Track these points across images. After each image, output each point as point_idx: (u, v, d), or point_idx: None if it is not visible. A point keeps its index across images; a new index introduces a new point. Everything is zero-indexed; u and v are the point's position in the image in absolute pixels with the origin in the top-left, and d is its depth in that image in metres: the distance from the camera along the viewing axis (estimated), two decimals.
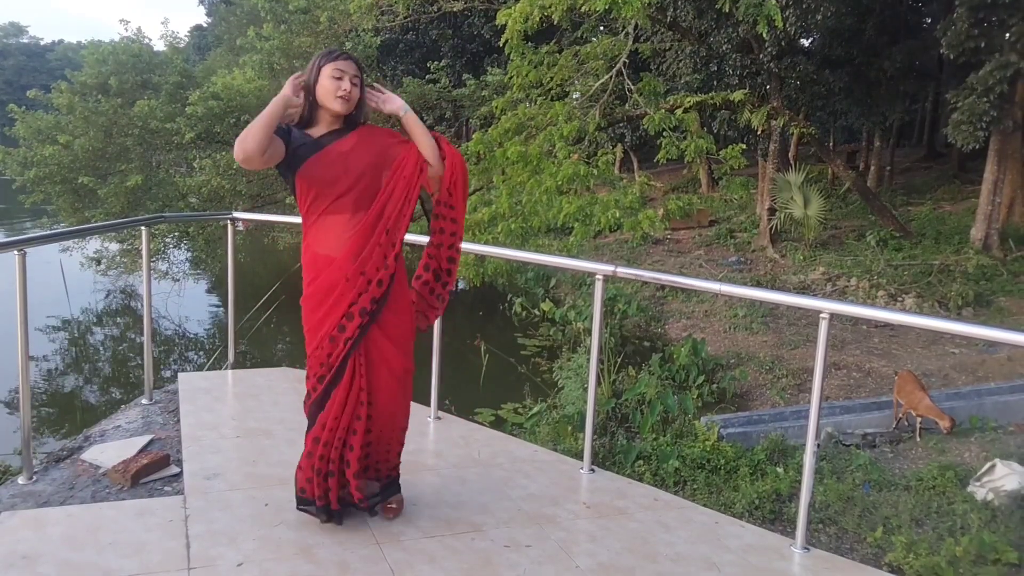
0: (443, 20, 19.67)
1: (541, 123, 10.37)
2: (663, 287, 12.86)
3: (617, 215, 9.07)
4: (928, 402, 6.83)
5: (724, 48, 14.35)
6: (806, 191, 14.67)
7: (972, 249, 12.65)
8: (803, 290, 12.28)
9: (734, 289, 3.34)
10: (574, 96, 11.29)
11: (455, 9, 14.43)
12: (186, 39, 32.56)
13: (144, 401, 4.00)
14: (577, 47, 11.44)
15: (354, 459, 2.60)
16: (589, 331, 6.19)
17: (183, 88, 15.22)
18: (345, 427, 2.58)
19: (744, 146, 10.18)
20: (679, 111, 10.76)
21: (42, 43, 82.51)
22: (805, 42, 16.95)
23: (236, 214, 4.83)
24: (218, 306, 15.47)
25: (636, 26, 10.49)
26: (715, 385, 8.76)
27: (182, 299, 14.78)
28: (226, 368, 4.77)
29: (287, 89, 2.50)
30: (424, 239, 2.91)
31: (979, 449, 6.60)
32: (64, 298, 11.99)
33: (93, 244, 15.60)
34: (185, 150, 15.00)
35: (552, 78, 10.84)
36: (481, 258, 9.45)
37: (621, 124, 15.52)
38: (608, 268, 3.34)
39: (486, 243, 8.62)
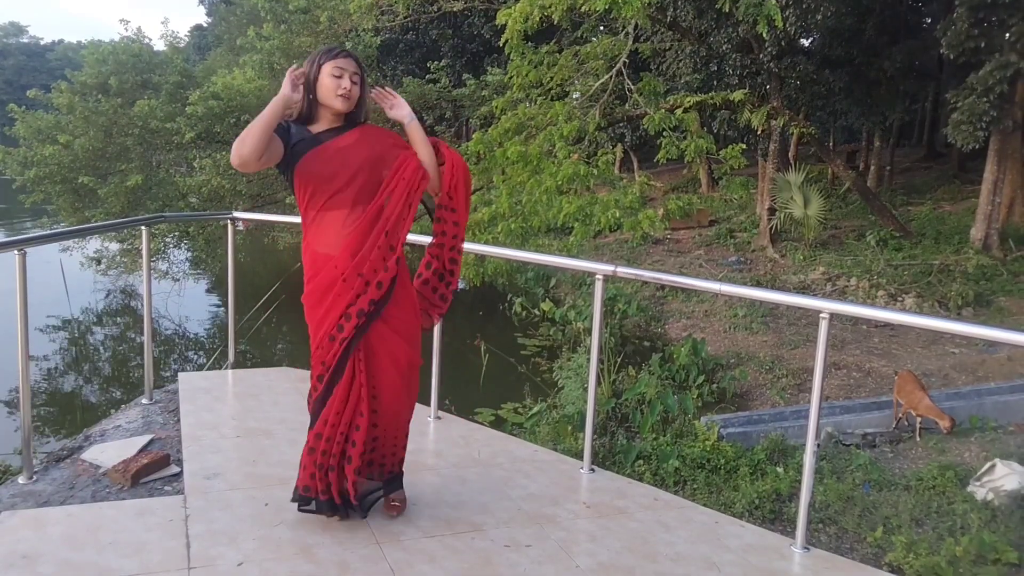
0: (443, 20, 19.67)
1: (541, 123, 10.36)
2: (663, 287, 12.86)
3: (617, 215, 9.07)
4: (928, 402, 6.83)
5: (724, 48, 14.34)
6: (806, 191, 14.67)
7: (972, 249, 12.65)
8: (803, 290, 12.28)
9: (734, 289, 3.34)
10: (574, 96, 11.29)
11: (455, 9, 14.43)
12: (186, 39, 32.57)
13: (144, 401, 4.00)
14: (577, 47, 11.43)
15: (356, 455, 2.59)
16: (589, 331, 6.19)
17: (183, 88, 15.22)
18: (347, 422, 2.58)
19: (744, 146, 10.17)
20: (679, 111, 10.76)
21: (42, 43, 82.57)
22: (805, 42, 16.95)
23: (236, 214, 4.83)
24: (218, 306, 15.47)
25: (636, 26, 10.49)
26: (715, 385, 8.76)
27: (182, 299, 14.78)
28: (226, 368, 4.77)
29: (286, 88, 2.49)
30: (426, 239, 2.91)
31: (979, 449, 6.61)
32: (64, 298, 11.98)
33: (93, 244, 15.60)
34: (185, 150, 15.00)
35: (552, 78, 10.84)
36: (481, 258, 9.45)
37: (621, 124, 15.53)
38: (608, 268, 3.34)
39: (486, 243, 8.62)
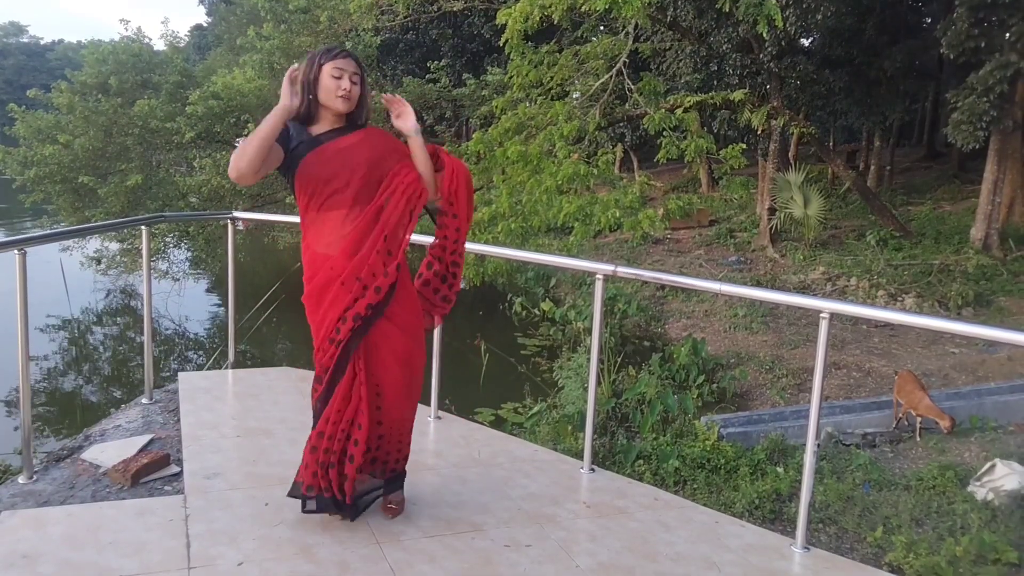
0: (443, 20, 19.65)
1: (541, 123, 10.37)
2: (663, 287, 12.86)
3: (617, 215, 9.07)
4: (928, 402, 6.83)
5: (724, 48, 14.34)
6: (806, 191, 14.67)
7: (972, 249, 12.65)
8: (803, 290, 12.28)
9: (734, 289, 3.34)
10: (574, 96, 11.29)
11: (455, 9, 14.42)
12: (186, 39, 32.59)
13: (144, 400, 4.00)
14: (577, 47, 11.44)
15: (359, 453, 2.58)
16: (589, 331, 6.19)
17: (183, 88, 15.23)
18: (349, 420, 2.58)
19: (744, 146, 10.17)
20: (679, 111, 10.76)
21: (42, 42, 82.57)
22: (805, 42, 16.95)
23: (236, 214, 4.82)
24: (218, 305, 15.47)
25: (636, 26, 10.49)
26: (715, 385, 8.76)
27: (182, 299, 14.79)
28: (226, 367, 4.77)
29: (284, 99, 2.46)
30: (428, 239, 2.91)
31: (979, 449, 6.61)
32: (64, 298, 11.98)
33: (93, 243, 15.60)
34: (185, 149, 15.01)
35: (552, 78, 10.84)
36: (481, 258, 9.45)
37: (621, 124, 15.52)
38: (608, 268, 3.34)
39: (486, 243, 8.61)
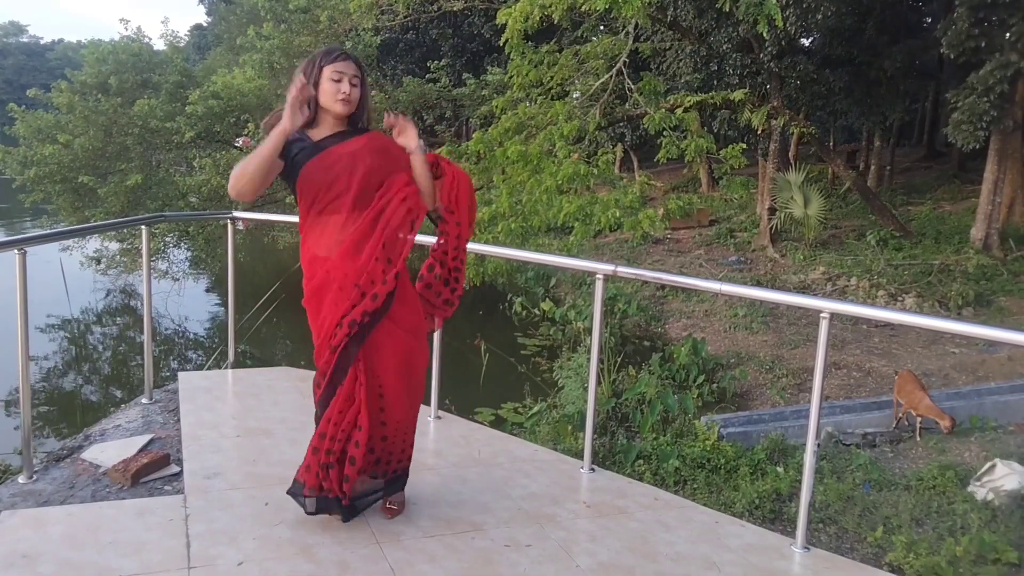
0: (443, 19, 19.66)
1: (541, 122, 10.36)
2: (663, 287, 12.87)
3: (617, 214, 9.07)
4: (928, 402, 6.83)
5: (724, 47, 14.34)
6: (806, 191, 14.67)
7: (972, 249, 12.65)
8: (803, 290, 12.28)
9: (734, 288, 3.34)
10: (574, 95, 11.29)
11: (455, 8, 14.43)
12: (186, 38, 32.55)
13: (144, 400, 4.00)
14: (577, 46, 11.43)
15: (360, 455, 2.58)
16: (589, 331, 6.19)
17: (183, 87, 15.24)
18: (350, 422, 2.57)
19: (744, 146, 10.17)
20: (679, 110, 10.76)
21: (42, 42, 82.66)
22: (805, 42, 16.94)
23: (236, 213, 4.82)
24: (218, 305, 15.48)
25: (636, 25, 10.49)
26: (715, 385, 8.76)
27: (182, 298, 14.79)
28: (226, 367, 4.77)
29: (287, 121, 2.43)
30: (430, 239, 2.90)
31: (979, 449, 6.60)
32: (64, 297, 11.98)
33: (93, 243, 15.60)
34: (185, 149, 15.02)
35: (552, 77, 10.84)
36: (481, 258, 9.44)
37: (621, 123, 15.52)
38: (608, 267, 3.34)
39: (486, 242, 8.61)
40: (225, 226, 5.10)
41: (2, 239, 3.11)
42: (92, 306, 14.96)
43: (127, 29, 43.13)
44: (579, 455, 3.66)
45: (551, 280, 14.29)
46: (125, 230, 12.94)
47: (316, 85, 2.54)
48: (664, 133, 9.96)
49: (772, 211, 15.14)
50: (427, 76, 16.86)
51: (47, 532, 2.57)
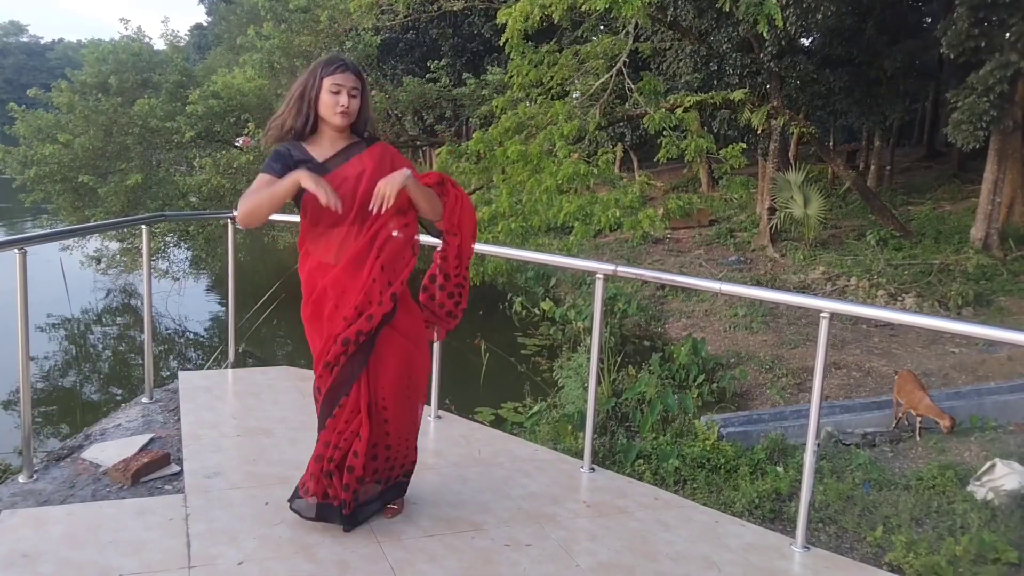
0: (443, 19, 19.65)
1: (541, 122, 10.36)
2: (663, 286, 12.86)
3: (617, 214, 9.07)
4: (928, 401, 6.83)
5: (724, 47, 14.34)
6: (806, 190, 14.67)
7: (972, 249, 12.65)
8: (803, 289, 12.28)
9: (734, 288, 3.34)
10: (574, 95, 11.29)
11: (455, 8, 14.43)
12: (186, 38, 32.59)
13: (144, 400, 4.00)
14: (577, 46, 11.43)
15: (359, 465, 2.57)
16: (589, 330, 6.19)
17: (183, 87, 15.24)
18: (353, 431, 2.57)
19: (744, 145, 10.18)
20: (679, 110, 10.76)
21: (42, 42, 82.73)
22: (805, 41, 16.94)
23: (236, 213, 4.82)
24: (218, 305, 15.48)
25: (636, 25, 10.49)
26: (715, 384, 8.76)
27: (182, 298, 14.79)
28: (226, 367, 4.77)
29: (307, 184, 2.38)
30: (434, 240, 2.90)
31: (979, 448, 6.60)
32: (64, 297, 11.98)
33: (93, 243, 15.61)
34: (185, 149, 15.02)
35: (552, 77, 10.84)
36: (481, 257, 9.44)
37: (621, 123, 15.52)
38: (608, 267, 3.34)
39: (486, 242, 8.61)
40: (225, 226, 5.11)
41: (2, 239, 3.12)
42: (92, 306, 14.96)
43: (127, 29, 43.23)
44: (579, 455, 3.67)
45: (551, 280, 14.29)
46: (125, 230, 12.95)
47: (316, 96, 2.53)
48: (664, 133, 9.97)
49: (772, 211, 15.14)
50: (427, 76, 16.86)
51: (47, 531, 2.57)
